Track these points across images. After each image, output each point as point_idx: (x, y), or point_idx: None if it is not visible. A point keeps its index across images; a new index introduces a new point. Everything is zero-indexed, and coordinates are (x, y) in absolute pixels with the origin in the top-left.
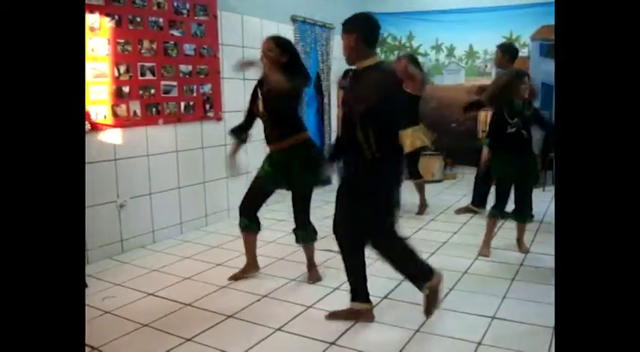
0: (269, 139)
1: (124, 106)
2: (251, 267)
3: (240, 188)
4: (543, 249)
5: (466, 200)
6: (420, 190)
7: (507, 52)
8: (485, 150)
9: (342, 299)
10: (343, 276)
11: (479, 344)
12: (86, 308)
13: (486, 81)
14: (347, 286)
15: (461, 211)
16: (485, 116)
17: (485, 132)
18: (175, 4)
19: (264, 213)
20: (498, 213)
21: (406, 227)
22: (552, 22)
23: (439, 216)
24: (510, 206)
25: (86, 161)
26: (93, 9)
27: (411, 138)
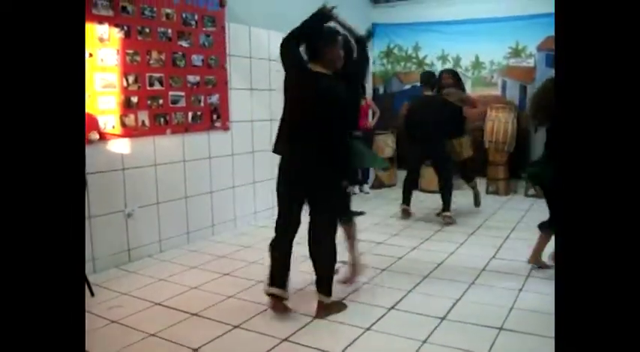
0: None
1: (132, 116)
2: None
3: (247, 198)
4: (551, 260)
5: (474, 208)
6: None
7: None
8: None
9: (349, 310)
10: (350, 287)
11: None
12: (93, 317)
13: (493, 91)
14: (352, 297)
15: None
16: (491, 126)
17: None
18: (184, 15)
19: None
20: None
21: (413, 236)
22: None
23: (446, 226)
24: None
25: (94, 170)
26: (102, 20)
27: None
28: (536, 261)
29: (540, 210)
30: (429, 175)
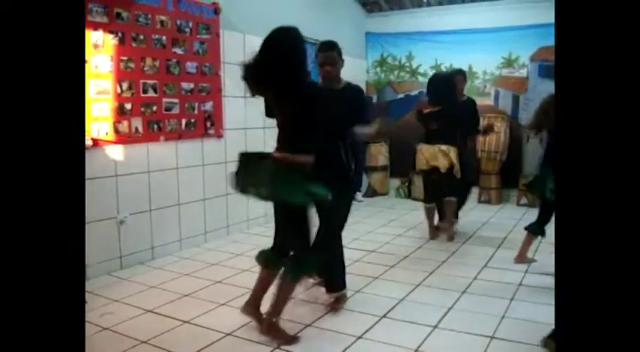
0: None
1: (125, 123)
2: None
3: (239, 205)
4: (542, 268)
5: (467, 217)
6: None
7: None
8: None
9: (341, 318)
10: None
11: None
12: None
13: (486, 101)
14: (345, 305)
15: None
16: (483, 138)
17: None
18: (178, 22)
19: (265, 232)
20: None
21: (405, 245)
22: (551, 43)
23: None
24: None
25: (87, 177)
26: (97, 26)
27: None
28: (522, 260)
29: (532, 219)
30: (420, 184)
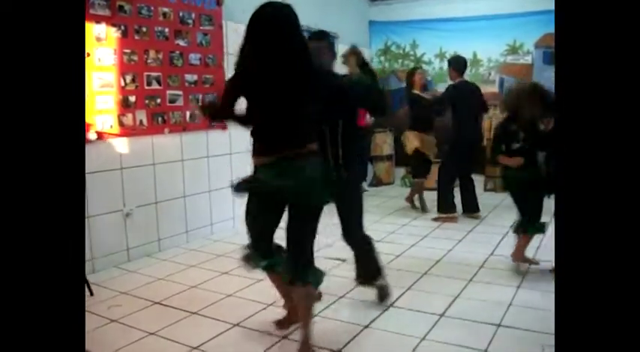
0: None
1: (130, 116)
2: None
3: (245, 197)
4: (548, 256)
5: None
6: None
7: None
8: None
9: (348, 308)
10: (349, 285)
11: (485, 351)
12: (92, 316)
13: (490, 88)
14: (352, 294)
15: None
16: (489, 123)
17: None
18: (181, 14)
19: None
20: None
21: (412, 234)
22: None
23: (444, 225)
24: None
25: (93, 170)
26: (99, 19)
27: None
28: (522, 260)
29: None
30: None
